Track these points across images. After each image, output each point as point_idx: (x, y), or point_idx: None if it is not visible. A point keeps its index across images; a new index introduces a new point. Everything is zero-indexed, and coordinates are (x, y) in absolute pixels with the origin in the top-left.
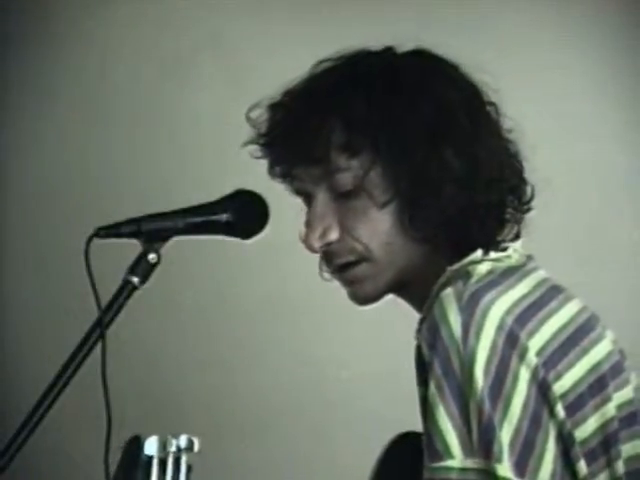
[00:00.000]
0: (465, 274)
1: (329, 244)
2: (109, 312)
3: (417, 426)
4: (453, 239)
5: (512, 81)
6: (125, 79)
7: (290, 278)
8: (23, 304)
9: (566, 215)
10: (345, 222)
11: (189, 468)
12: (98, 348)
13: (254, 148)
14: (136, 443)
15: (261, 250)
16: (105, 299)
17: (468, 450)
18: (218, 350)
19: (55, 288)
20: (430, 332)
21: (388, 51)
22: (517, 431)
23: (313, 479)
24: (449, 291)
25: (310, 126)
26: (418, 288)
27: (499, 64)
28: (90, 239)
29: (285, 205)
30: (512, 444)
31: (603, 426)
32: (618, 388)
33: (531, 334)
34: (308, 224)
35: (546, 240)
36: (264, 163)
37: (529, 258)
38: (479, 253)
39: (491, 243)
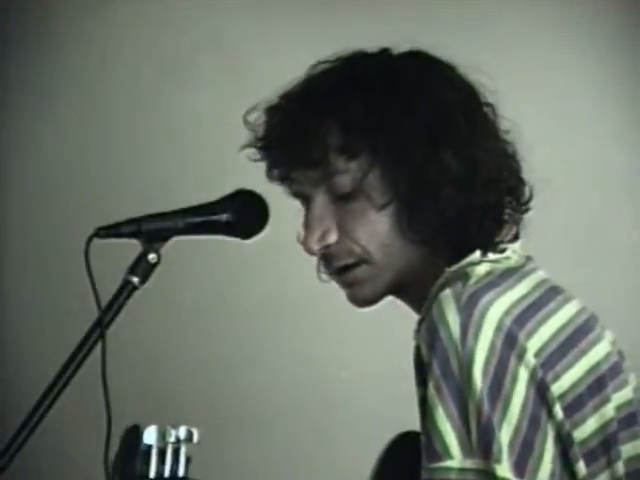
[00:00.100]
0: (464, 275)
1: (328, 246)
2: (109, 312)
3: (417, 426)
4: (451, 241)
5: (512, 81)
6: (125, 79)
7: (290, 278)
8: (23, 304)
9: (566, 215)
10: (344, 224)
11: (188, 459)
12: (98, 348)
13: (252, 151)
14: (135, 432)
15: (261, 250)
16: (105, 299)
17: (467, 450)
18: (218, 350)
19: (55, 288)
20: (429, 333)
21: (385, 52)
22: (516, 431)
23: (313, 479)
24: (448, 292)
25: (308, 129)
26: (417, 290)
27: (499, 64)
28: (90, 239)
29: (285, 205)
30: (511, 444)
31: (602, 427)
32: (617, 389)
33: (530, 335)
34: (306, 226)
35: (546, 240)
36: (264, 163)
37: (528, 259)
38: (477, 254)
39: (489, 244)
